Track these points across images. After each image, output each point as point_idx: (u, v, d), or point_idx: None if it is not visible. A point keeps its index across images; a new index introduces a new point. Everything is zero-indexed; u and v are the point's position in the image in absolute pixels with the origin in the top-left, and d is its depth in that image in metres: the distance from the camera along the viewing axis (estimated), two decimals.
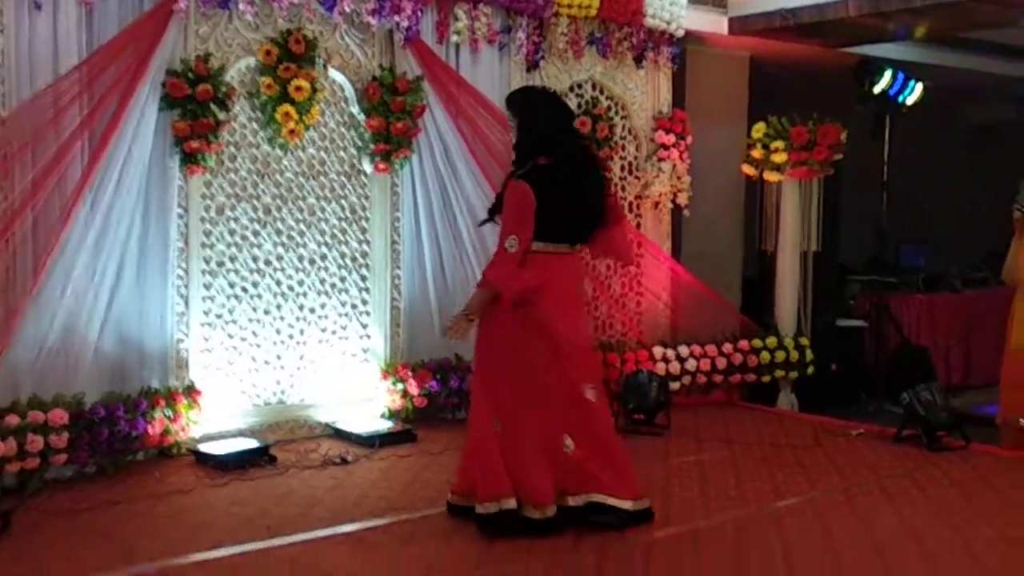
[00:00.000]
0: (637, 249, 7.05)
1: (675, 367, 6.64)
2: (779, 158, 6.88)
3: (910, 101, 8.60)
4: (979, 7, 6.67)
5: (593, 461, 4.16)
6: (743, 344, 6.88)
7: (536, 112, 4.27)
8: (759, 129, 7.01)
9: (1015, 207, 5.22)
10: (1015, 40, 8.94)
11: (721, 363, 6.78)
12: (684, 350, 6.73)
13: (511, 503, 4.06)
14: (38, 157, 4.82)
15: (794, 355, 6.95)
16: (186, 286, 5.39)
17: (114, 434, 4.85)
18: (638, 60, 6.99)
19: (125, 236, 5.10)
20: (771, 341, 6.93)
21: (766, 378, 6.92)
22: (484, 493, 4.12)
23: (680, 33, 7.07)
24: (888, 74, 8.34)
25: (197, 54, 5.28)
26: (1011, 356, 5.35)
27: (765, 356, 6.87)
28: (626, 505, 4.14)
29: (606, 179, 4.40)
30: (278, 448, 5.34)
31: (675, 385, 6.56)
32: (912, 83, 8.50)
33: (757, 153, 7.00)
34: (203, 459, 5.12)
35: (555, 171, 4.14)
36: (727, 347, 6.84)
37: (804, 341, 7.03)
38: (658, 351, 6.68)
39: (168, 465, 5.10)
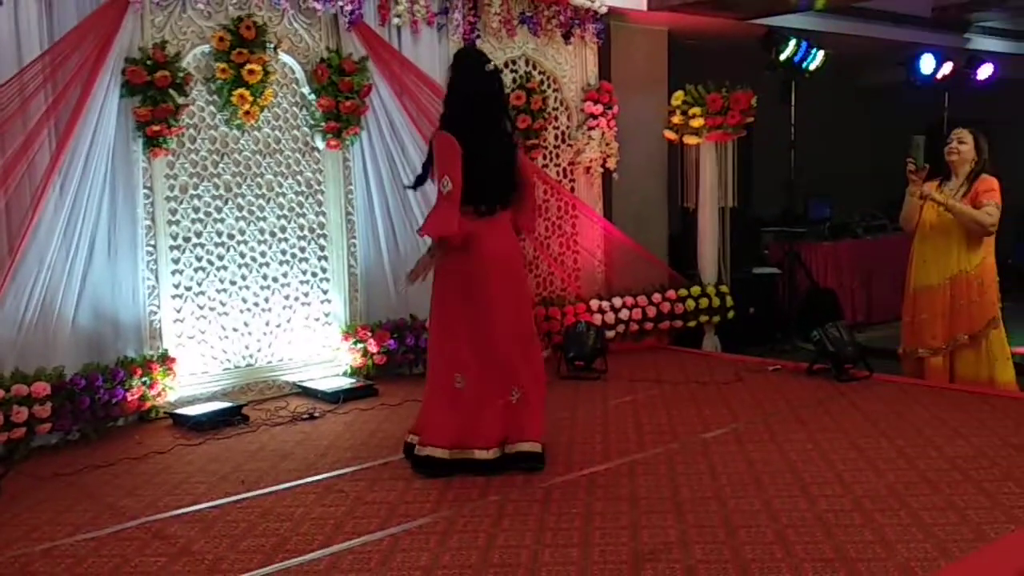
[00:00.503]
0: (571, 211, 7.08)
1: (610, 317, 6.69)
2: (697, 123, 6.92)
3: (813, 67, 8.68)
4: None
5: (527, 409, 4.16)
6: (670, 294, 6.95)
7: (461, 74, 4.20)
8: (678, 97, 7.04)
9: (908, 160, 5.31)
10: (901, 8, 9.07)
11: (651, 312, 6.85)
12: (618, 301, 6.78)
13: (458, 454, 4.10)
14: (7, 145, 4.68)
15: (716, 302, 7.04)
16: (155, 261, 5.31)
17: (95, 402, 4.78)
18: (566, 37, 6.96)
19: (95, 217, 4.99)
20: (695, 290, 7.01)
21: (692, 323, 7.00)
22: (431, 438, 4.14)
23: (604, 11, 7.05)
24: (793, 43, 8.40)
25: (154, 42, 5.15)
26: (909, 296, 5.47)
27: (690, 304, 6.95)
28: (536, 448, 4.16)
29: (515, 144, 4.35)
30: (250, 408, 5.30)
31: (611, 334, 6.61)
32: (815, 51, 8.58)
33: (677, 119, 7.03)
34: (179, 421, 5.07)
35: (475, 134, 4.09)
36: (656, 297, 6.90)
37: (724, 289, 7.12)
38: (594, 303, 6.72)
39: (147, 429, 5.04)
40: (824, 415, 4.95)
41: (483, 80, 4.21)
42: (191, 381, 5.40)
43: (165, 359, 5.19)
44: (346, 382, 5.77)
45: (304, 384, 5.72)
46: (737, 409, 5.14)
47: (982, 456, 4.17)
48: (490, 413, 4.13)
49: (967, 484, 3.81)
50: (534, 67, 6.89)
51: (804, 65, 8.62)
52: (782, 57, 8.41)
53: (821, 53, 8.64)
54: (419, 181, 4.33)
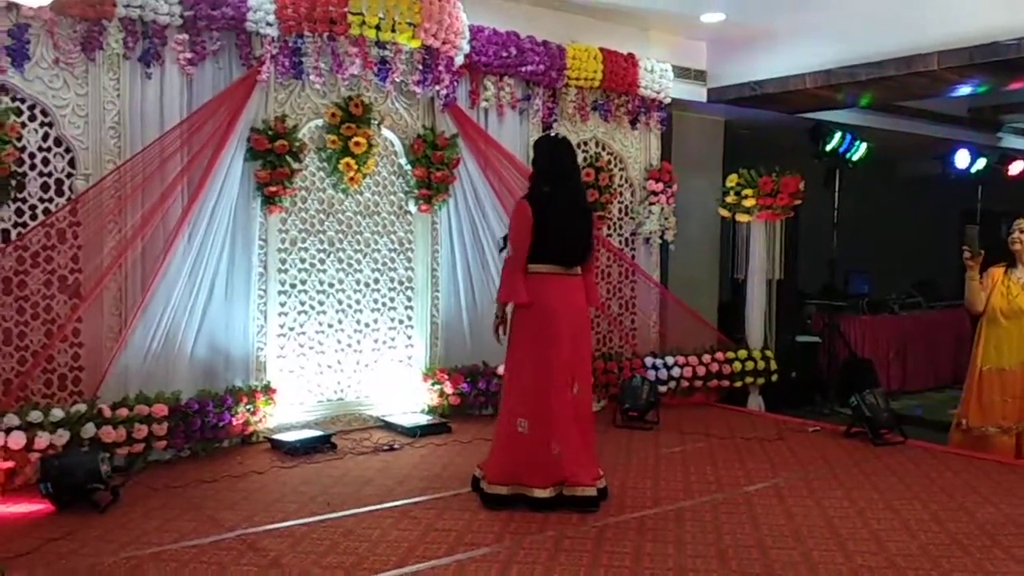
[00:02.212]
0: (631, 276, 7.03)
1: (663, 374, 6.57)
2: (749, 203, 6.83)
3: (856, 157, 8.56)
4: (912, 81, 6.64)
5: (574, 458, 4.07)
6: (719, 356, 6.80)
7: (544, 152, 4.30)
8: (732, 179, 6.96)
9: (964, 248, 5.12)
10: (938, 108, 8.93)
11: (701, 371, 6.70)
12: (671, 360, 6.66)
13: (516, 489, 4.06)
14: (146, 198, 4.84)
15: (761, 365, 6.86)
16: (265, 304, 5.39)
17: (205, 424, 4.85)
18: (633, 123, 6.98)
19: (216, 263, 5.10)
20: (742, 353, 6.85)
21: (738, 384, 6.83)
22: (494, 476, 4.12)
23: (668, 101, 7.06)
24: (838, 135, 8.31)
25: (276, 115, 5.30)
26: (976, 375, 5.19)
27: (737, 366, 6.79)
28: (589, 492, 4.07)
29: (591, 210, 4.38)
30: (338, 437, 5.30)
31: (663, 388, 6.49)
32: (858, 143, 8.48)
33: (731, 199, 6.94)
34: (277, 445, 5.09)
35: (551, 196, 4.14)
36: (706, 358, 6.76)
37: (769, 353, 6.94)
38: (649, 360, 6.61)
39: (248, 450, 5.08)
40: (860, 475, 4.75)
41: (555, 148, 4.28)
42: (289, 410, 5.43)
43: (268, 389, 5.24)
44: (424, 419, 5.74)
45: (386, 418, 5.71)
46: (778, 465, 4.97)
47: (1011, 523, 3.93)
48: (547, 456, 4.07)
49: (996, 549, 3.60)
50: (603, 148, 6.91)
51: (848, 155, 8.51)
52: (828, 147, 8.32)
53: (864, 145, 8.53)
54: (504, 244, 4.36)
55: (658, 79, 6.92)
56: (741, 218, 6.95)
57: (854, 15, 6.57)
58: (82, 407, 4.48)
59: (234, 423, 5.01)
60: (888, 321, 9.12)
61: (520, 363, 4.17)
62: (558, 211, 4.15)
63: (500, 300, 4.26)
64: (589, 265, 4.33)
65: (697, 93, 7.55)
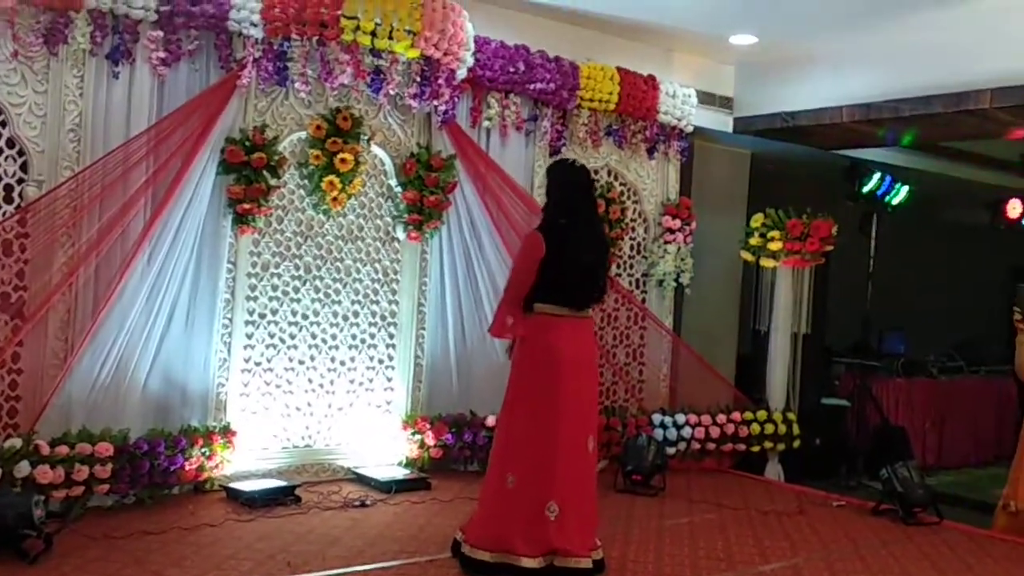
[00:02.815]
0: (641, 322, 7.04)
1: (672, 433, 6.54)
2: (775, 247, 6.87)
3: (896, 202, 8.63)
4: (960, 119, 6.72)
5: (572, 522, 4.07)
6: (735, 416, 6.78)
7: (559, 180, 4.38)
8: (757, 219, 7.01)
9: (1015, 309, 5.15)
10: (989, 151, 8.99)
11: (715, 432, 6.68)
12: (681, 418, 6.64)
13: (501, 557, 4.03)
14: (105, 210, 4.85)
15: (782, 428, 6.84)
16: (230, 335, 5.37)
17: (154, 468, 4.81)
18: (650, 151, 7.04)
19: (178, 286, 5.09)
20: (761, 414, 6.83)
21: (755, 448, 6.81)
22: (476, 538, 4.11)
23: (689, 129, 7.13)
24: (877, 176, 8.39)
25: (254, 125, 5.33)
26: None
27: (755, 428, 6.77)
28: (584, 564, 4.05)
29: (609, 245, 4.44)
30: (303, 489, 5.27)
31: (671, 450, 6.46)
32: (898, 185, 8.54)
33: (755, 241, 6.98)
34: (234, 495, 5.06)
35: (567, 229, 4.20)
36: (721, 418, 6.74)
37: (792, 416, 6.93)
38: (657, 418, 6.60)
39: (201, 499, 5.04)
40: (889, 558, 4.73)
41: (573, 176, 4.36)
42: (249, 456, 5.39)
43: (227, 431, 5.21)
44: (400, 472, 5.71)
45: (359, 470, 5.68)
46: (797, 543, 4.94)
47: None
48: (537, 520, 4.05)
49: None
50: (616, 178, 6.97)
51: (887, 199, 8.58)
52: (865, 189, 8.39)
53: (905, 188, 8.60)
54: None
55: (680, 105, 7.00)
56: (766, 263, 6.98)
57: (900, 44, 6.64)
58: (16, 442, 4.44)
59: (187, 468, 4.97)
60: (925, 386, 9.11)
61: (518, 411, 4.18)
62: (574, 246, 4.19)
63: (493, 334, 4.44)
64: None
65: (722, 122, 7.63)
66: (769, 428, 6.81)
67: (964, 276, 11.11)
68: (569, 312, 4.21)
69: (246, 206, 5.25)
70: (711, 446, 6.70)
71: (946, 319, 10.64)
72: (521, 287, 4.21)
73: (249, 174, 5.24)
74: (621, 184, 6.99)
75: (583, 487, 4.19)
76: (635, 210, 7.07)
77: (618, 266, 6.97)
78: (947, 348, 10.06)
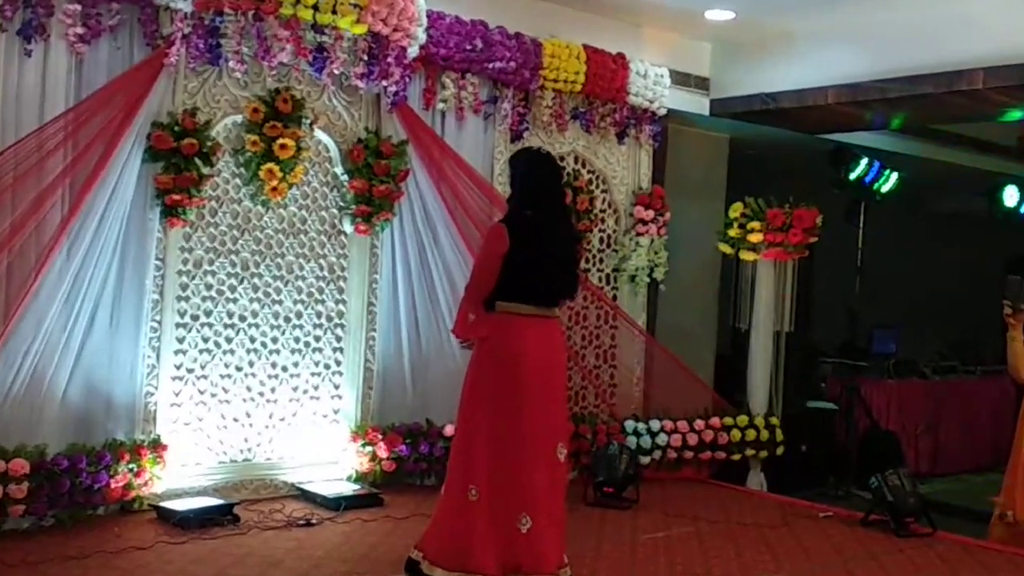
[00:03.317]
0: (611, 321, 7.08)
1: (646, 441, 6.60)
2: (755, 238, 6.94)
3: (885, 189, 8.74)
4: (952, 100, 6.82)
5: (544, 536, 4.12)
6: (714, 422, 6.85)
7: (524, 169, 4.42)
8: (736, 209, 7.08)
9: (1005, 302, 5.22)
10: (984, 134, 9.14)
11: (692, 439, 6.74)
12: (655, 425, 6.70)
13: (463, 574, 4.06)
14: (18, 202, 4.78)
15: (764, 435, 6.93)
16: (158, 339, 5.33)
17: (75, 486, 4.76)
18: (620, 136, 7.08)
19: (100, 286, 5.04)
20: (742, 420, 6.91)
21: (736, 456, 6.88)
22: (436, 555, 4.13)
23: (662, 112, 7.18)
24: (864, 162, 8.49)
25: (185, 108, 5.29)
26: (1021, 453, 5.23)
27: (736, 434, 6.85)
28: None
29: (580, 237, 4.49)
30: (242, 507, 5.24)
31: (645, 459, 6.52)
32: (887, 172, 8.66)
33: (734, 232, 7.05)
34: (164, 515, 5.02)
35: (533, 221, 4.25)
36: (698, 424, 6.81)
37: (775, 421, 7.01)
38: (629, 424, 6.66)
39: (128, 520, 4.99)
40: (879, 571, 4.81)
41: (539, 165, 4.41)
42: (182, 472, 5.35)
43: (156, 445, 5.17)
44: (349, 488, 5.70)
45: (304, 486, 5.66)
46: (782, 557, 5.00)
47: None
48: (502, 535, 4.09)
49: None
50: (583, 165, 7.01)
51: (875, 186, 8.70)
52: (852, 176, 8.50)
53: (894, 175, 8.72)
54: None
55: (652, 85, 7.05)
56: (745, 256, 7.05)
57: (888, 21, 6.73)
58: None
59: (112, 486, 4.93)
60: (918, 388, 9.26)
61: (480, 419, 4.20)
62: (541, 239, 4.24)
63: (455, 334, 4.49)
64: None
65: (698, 104, 7.70)
66: (751, 434, 6.88)
67: (959, 269, 11.29)
68: (535, 311, 4.25)
69: (176, 197, 5.21)
70: (688, 454, 6.76)
71: (940, 315, 10.80)
72: (483, 284, 4.26)
73: (179, 162, 5.20)
74: (589, 172, 7.03)
75: (555, 499, 4.23)
76: (604, 200, 7.11)
77: (587, 261, 7.01)
78: (941, 347, 10.23)
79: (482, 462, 4.16)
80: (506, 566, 4.08)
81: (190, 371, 5.48)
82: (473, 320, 4.32)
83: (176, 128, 5.20)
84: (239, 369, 5.65)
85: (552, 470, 4.23)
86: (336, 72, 5.57)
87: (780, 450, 6.98)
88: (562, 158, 6.86)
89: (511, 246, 4.18)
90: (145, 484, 5.11)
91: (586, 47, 6.72)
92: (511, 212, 4.39)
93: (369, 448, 5.85)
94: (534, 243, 4.22)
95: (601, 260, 7.13)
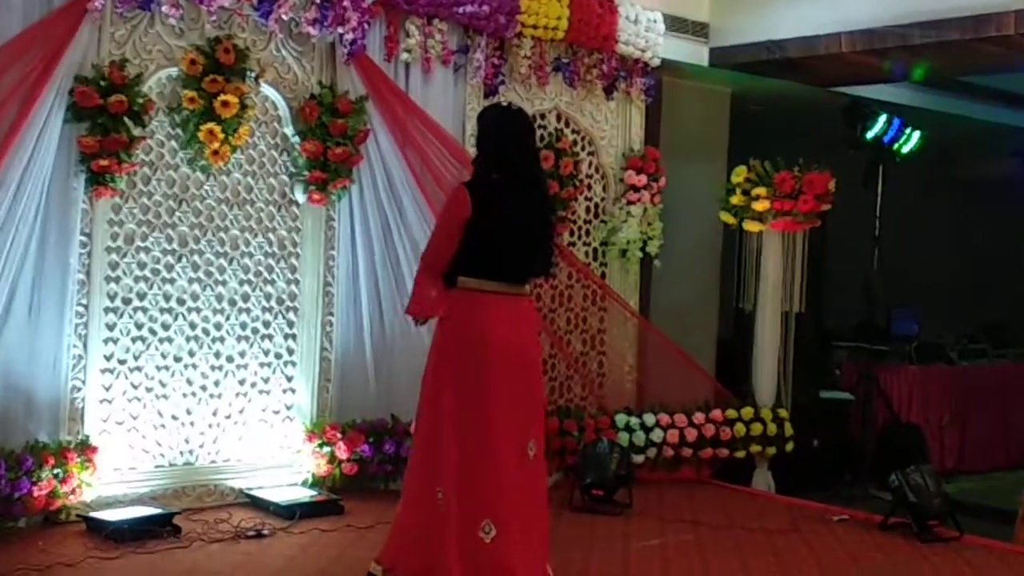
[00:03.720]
0: (600, 302, 7.14)
1: (639, 438, 6.68)
2: (761, 206, 6.98)
3: (906, 150, 8.80)
4: (983, 48, 6.87)
5: (514, 547, 4.16)
6: (716, 415, 6.93)
7: (493, 127, 4.46)
8: (740, 173, 7.11)
9: None
10: (1016, 87, 9.22)
11: (691, 435, 6.82)
12: (650, 419, 6.78)
13: None
14: None
15: (772, 429, 7.01)
16: (85, 325, 5.34)
17: None
18: (608, 90, 7.13)
19: (18, 266, 5.05)
20: (747, 412, 7.00)
21: (740, 453, 6.97)
22: (400, 566, 4.23)
23: (656, 62, 7.23)
24: (882, 119, 8.53)
25: (112, 60, 5.28)
26: None
27: (740, 429, 6.93)
28: None
29: (554, 206, 4.52)
30: (183, 517, 5.27)
31: (639, 458, 6.59)
32: (909, 131, 8.71)
33: (737, 200, 7.09)
34: (95, 527, 5.04)
35: (500, 185, 4.30)
36: (698, 417, 6.89)
37: (783, 414, 7.10)
38: (621, 419, 6.73)
39: (54, 533, 5.01)
40: None
41: (509, 122, 4.44)
42: (114, 478, 5.38)
43: (85, 448, 5.18)
44: (306, 494, 5.75)
45: (253, 493, 5.71)
46: (791, 567, 5.10)
47: None
48: (470, 543, 4.13)
49: None
50: (567, 124, 7.05)
51: (895, 147, 8.74)
52: (868, 135, 8.54)
53: (917, 134, 8.77)
54: None
55: (644, 32, 7.10)
56: (750, 227, 7.10)
57: None
58: None
59: (36, 494, 4.94)
60: (943, 374, 9.36)
61: (442, 411, 4.25)
62: (508, 206, 4.28)
63: (410, 313, 4.48)
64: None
65: (696, 54, 7.74)
66: (756, 428, 6.97)
67: (989, 240, 11.37)
68: (501, 288, 4.30)
69: (103, 163, 5.21)
70: (687, 452, 6.84)
71: (968, 293, 10.90)
72: (440, 252, 4.31)
73: (106, 122, 5.19)
74: (573, 132, 7.07)
75: (529, 504, 4.28)
76: (591, 163, 7.16)
77: (571, 233, 7.06)
78: (969, 328, 10.34)
79: (450, 461, 4.20)
80: None
81: (122, 363, 5.49)
82: (436, 295, 4.34)
83: (102, 83, 5.19)
84: (178, 360, 5.67)
85: (524, 471, 4.27)
86: (284, 17, 5.58)
87: (789, 446, 7.05)
88: (543, 116, 6.91)
89: (474, 213, 4.22)
90: (72, 492, 5.12)
91: None
92: (476, 175, 4.42)
93: (327, 448, 5.90)
94: (499, 211, 4.26)
95: (587, 232, 7.18)
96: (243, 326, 5.88)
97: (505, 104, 4.69)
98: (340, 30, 5.79)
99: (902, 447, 8.00)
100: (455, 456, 4.20)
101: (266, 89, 5.85)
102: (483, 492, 4.17)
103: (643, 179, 7.15)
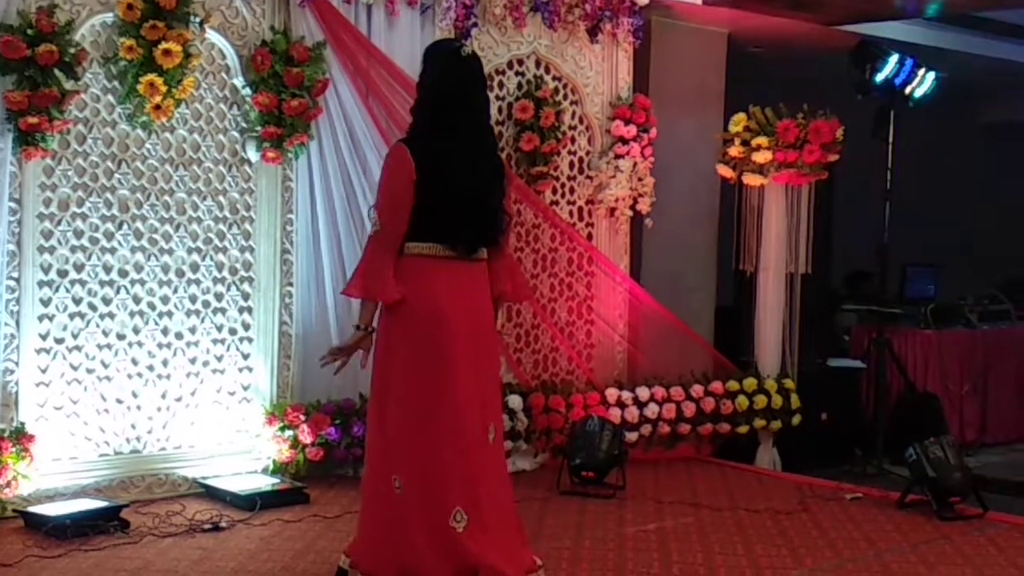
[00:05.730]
0: (587, 266, 7.13)
1: (633, 414, 6.70)
2: (762, 158, 6.99)
3: (920, 94, 8.78)
4: None
5: (491, 533, 4.17)
6: (716, 387, 6.97)
7: (436, 70, 4.35)
8: (739, 122, 7.11)
9: None
10: None
11: (689, 410, 6.85)
12: (644, 393, 6.80)
13: None
14: None
15: (777, 401, 7.04)
16: (17, 301, 5.33)
17: None
18: (592, 33, 7.09)
19: None
20: (749, 384, 7.03)
21: (743, 429, 7.01)
22: (366, 562, 4.22)
23: (644, 1, 7.18)
24: (893, 59, 8.50)
25: (39, 6, 5.23)
26: None
27: (742, 402, 6.97)
28: None
29: (503, 165, 4.47)
30: (132, 511, 5.27)
31: (632, 436, 6.62)
32: (924, 72, 8.69)
33: (736, 151, 7.10)
34: (35, 523, 5.03)
35: (445, 141, 4.23)
36: (696, 390, 6.92)
37: (789, 384, 7.13)
38: (612, 394, 6.74)
39: None
40: (920, 564, 4.93)
41: (455, 66, 4.33)
42: (54, 469, 5.37)
43: (20, 437, 5.17)
44: (266, 482, 5.75)
45: (208, 482, 5.71)
46: (801, 550, 5.11)
47: None
48: (442, 533, 4.13)
49: None
50: (547, 70, 7.01)
51: (908, 90, 8.73)
52: (879, 78, 8.50)
53: (932, 76, 8.76)
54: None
55: None
56: (750, 181, 7.11)
57: None
58: None
59: None
60: (963, 338, 9.40)
61: (391, 394, 4.24)
62: (455, 162, 4.22)
63: (349, 294, 4.45)
64: (502, 248, 4.45)
65: None
66: (760, 401, 7.00)
67: (1012, 192, 11.43)
68: (453, 254, 4.26)
69: (32, 120, 5.18)
70: (684, 428, 6.87)
71: (988, 250, 10.95)
72: (394, 222, 4.19)
73: (34, 75, 5.17)
74: (555, 79, 7.04)
75: (496, 489, 4.28)
76: (574, 114, 7.14)
77: (554, 191, 7.04)
78: (990, 288, 10.38)
79: (409, 446, 4.19)
80: (456, 569, 4.11)
81: (59, 341, 5.48)
82: (389, 277, 4.20)
83: (29, 32, 5.16)
84: (121, 337, 5.66)
85: (487, 454, 4.28)
86: None
87: (796, 419, 7.10)
88: (520, 61, 6.88)
89: (417, 174, 4.16)
90: (8, 485, 5.11)
91: None
92: (413, 129, 4.36)
93: (289, 432, 5.90)
94: (440, 171, 4.20)
95: (572, 190, 7.16)
96: (192, 299, 5.87)
97: (456, 46, 4.53)
98: None
99: (918, 419, 8.03)
100: (416, 442, 4.18)
101: (212, 35, 5.81)
102: (451, 479, 4.16)
103: (632, 130, 7.13)
